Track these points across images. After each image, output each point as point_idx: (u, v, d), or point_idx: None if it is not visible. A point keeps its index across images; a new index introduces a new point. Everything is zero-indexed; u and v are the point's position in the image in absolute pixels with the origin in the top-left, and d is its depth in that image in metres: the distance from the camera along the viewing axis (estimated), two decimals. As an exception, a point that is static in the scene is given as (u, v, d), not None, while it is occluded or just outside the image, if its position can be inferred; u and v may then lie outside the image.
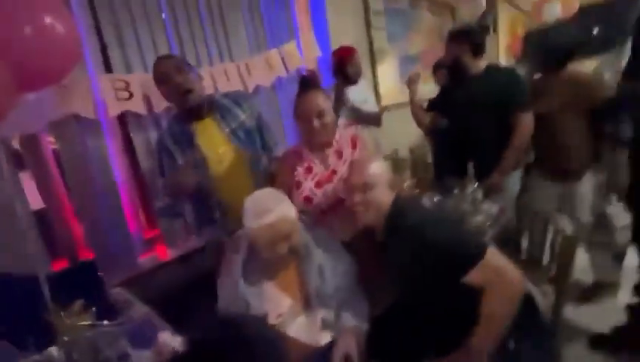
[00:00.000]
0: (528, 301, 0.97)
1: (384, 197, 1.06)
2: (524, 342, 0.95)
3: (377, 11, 3.16)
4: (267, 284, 1.07)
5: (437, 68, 2.48)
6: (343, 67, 2.19)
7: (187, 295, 1.45)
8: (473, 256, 0.91)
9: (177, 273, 1.77)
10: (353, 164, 1.24)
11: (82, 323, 0.95)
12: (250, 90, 2.03)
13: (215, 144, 1.40)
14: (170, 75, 1.33)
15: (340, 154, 1.33)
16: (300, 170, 1.33)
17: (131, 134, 1.70)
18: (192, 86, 1.36)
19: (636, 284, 1.43)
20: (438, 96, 2.21)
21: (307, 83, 1.32)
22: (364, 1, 2.95)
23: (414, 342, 1.04)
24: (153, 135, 1.72)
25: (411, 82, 2.10)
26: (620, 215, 1.74)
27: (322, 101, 1.28)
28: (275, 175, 1.43)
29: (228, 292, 1.07)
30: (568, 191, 1.73)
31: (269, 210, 0.98)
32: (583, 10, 4.15)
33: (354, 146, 1.35)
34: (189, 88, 1.34)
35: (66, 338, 0.93)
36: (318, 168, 1.32)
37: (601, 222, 1.79)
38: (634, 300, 1.43)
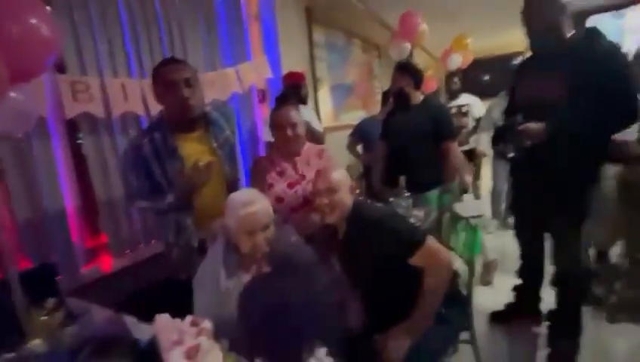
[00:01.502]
0: (453, 278, 1.28)
1: (346, 200, 1.28)
2: (451, 307, 1.25)
3: (319, 44, 3.53)
4: (245, 277, 1.18)
5: (386, 95, 2.86)
6: (298, 88, 2.44)
7: (134, 307, 1.44)
8: (418, 241, 1.17)
9: (122, 285, 1.71)
10: (319, 171, 1.45)
11: (54, 321, 0.94)
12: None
13: (198, 155, 1.35)
14: (179, 85, 1.29)
15: (308, 162, 1.56)
16: (273, 173, 1.52)
17: (82, 139, 1.65)
18: (197, 100, 1.34)
19: (517, 269, 1.90)
20: (384, 119, 2.47)
21: (283, 99, 1.56)
22: (309, 34, 3.29)
23: (368, 319, 1.26)
24: (105, 141, 1.69)
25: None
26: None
27: (295, 115, 1.52)
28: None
29: (207, 289, 1.14)
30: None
31: (253, 201, 1.11)
32: (476, 62, 5.22)
33: (320, 157, 1.60)
34: (193, 103, 1.32)
35: (37, 338, 0.91)
36: (289, 172, 1.53)
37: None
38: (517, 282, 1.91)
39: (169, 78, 1.29)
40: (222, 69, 2.26)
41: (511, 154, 1.52)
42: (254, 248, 1.13)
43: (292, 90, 2.42)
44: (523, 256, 1.86)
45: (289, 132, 1.48)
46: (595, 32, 1.41)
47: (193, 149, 1.38)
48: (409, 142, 2.11)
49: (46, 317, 0.92)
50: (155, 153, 1.33)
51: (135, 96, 1.72)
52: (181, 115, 1.34)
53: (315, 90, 3.43)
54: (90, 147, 1.66)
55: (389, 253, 1.18)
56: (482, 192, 3.66)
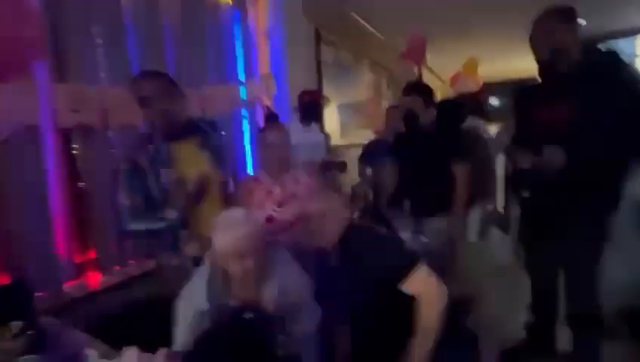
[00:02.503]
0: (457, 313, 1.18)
1: (334, 224, 1.20)
2: (456, 347, 1.14)
3: (327, 63, 3.54)
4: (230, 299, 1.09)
5: (390, 111, 2.72)
6: (315, 107, 2.40)
7: (119, 327, 1.35)
8: (409, 265, 1.10)
9: (109, 303, 1.62)
10: (312, 192, 1.40)
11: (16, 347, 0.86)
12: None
13: (192, 166, 1.37)
14: (154, 99, 1.29)
15: (297, 181, 1.51)
16: (260, 193, 1.46)
17: (75, 150, 1.60)
18: (178, 111, 1.35)
19: (529, 305, 1.76)
20: (395, 139, 2.39)
21: (275, 118, 1.51)
22: (317, 53, 3.30)
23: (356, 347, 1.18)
24: (101, 152, 1.64)
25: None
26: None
27: (283, 135, 1.48)
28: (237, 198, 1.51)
29: (188, 311, 1.06)
30: None
31: (240, 223, 1.04)
32: (486, 86, 5.20)
33: (310, 176, 1.56)
34: (174, 115, 1.33)
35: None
36: (278, 192, 1.47)
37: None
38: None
39: (143, 94, 1.31)
40: (227, 84, 2.24)
41: (526, 194, 1.45)
42: (245, 273, 1.04)
43: (309, 109, 2.38)
44: (534, 291, 1.72)
45: (278, 152, 1.44)
46: (614, 56, 1.34)
47: (184, 158, 1.37)
48: (417, 164, 2.00)
49: (8, 343, 0.83)
50: (151, 164, 1.32)
51: (135, 107, 1.68)
52: (164, 127, 1.34)
53: (321, 109, 3.40)
54: (84, 158, 1.61)
55: (379, 276, 1.11)
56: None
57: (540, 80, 1.52)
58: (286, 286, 1.14)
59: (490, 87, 5.46)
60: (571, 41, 1.34)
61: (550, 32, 1.35)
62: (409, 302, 1.11)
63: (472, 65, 4.72)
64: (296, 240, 1.44)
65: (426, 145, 1.97)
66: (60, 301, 1.52)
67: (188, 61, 2.05)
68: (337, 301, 1.29)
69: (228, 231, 1.02)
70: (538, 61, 1.43)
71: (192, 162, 1.38)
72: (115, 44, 1.69)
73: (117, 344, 1.09)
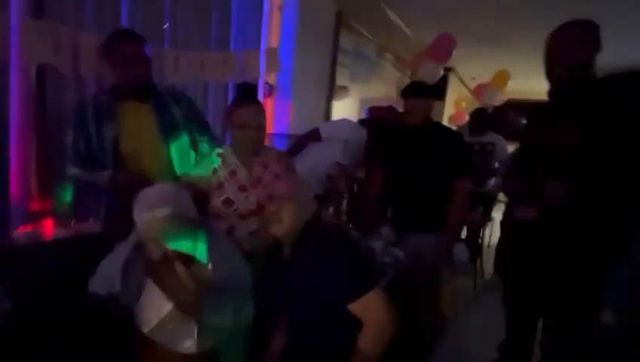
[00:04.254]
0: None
1: (297, 214, 1.07)
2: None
3: (345, 50, 3.35)
4: (150, 285, 0.99)
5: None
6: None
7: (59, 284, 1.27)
8: (362, 287, 0.97)
9: (55, 256, 1.56)
10: (279, 177, 1.29)
11: None
12: (199, 84, 1.97)
13: (140, 128, 1.40)
14: (132, 62, 1.32)
15: (265, 166, 1.37)
16: (223, 172, 1.32)
17: (46, 92, 1.51)
18: (147, 74, 1.39)
19: (500, 344, 1.59)
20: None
21: (250, 93, 1.36)
22: (335, 38, 3.10)
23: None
24: (70, 98, 1.55)
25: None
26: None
27: (262, 114, 1.34)
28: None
29: (101, 287, 0.96)
30: None
31: (164, 203, 0.92)
32: (509, 102, 4.92)
33: (279, 162, 1.40)
34: (144, 77, 1.38)
35: None
36: (242, 173, 1.34)
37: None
38: None
39: (123, 53, 1.31)
40: (227, 52, 2.11)
41: (531, 216, 1.27)
42: (165, 258, 0.93)
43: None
44: (508, 330, 1.56)
45: (252, 132, 1.29)
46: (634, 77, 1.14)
47: (134, 118, 1.40)
48: (410, 171, 1.81)
49: None
50: (96, 116, 1.34)
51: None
52: (128, 86, 1.37)
53: (330, 99, 3.24)
54: (53, 102, 1.53)
55: (330, 289, 0.99)
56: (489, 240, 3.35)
57: (551, 99, 1.33)
58: (219, 275, 1.03)
59: (519, 105, 5.14)
60: (592, 57, 1.19)
61: (573, 44, 1.18)
62: (353, 322, 0.99)
63: (502, 78, 4.43)
64: (252, 230, 1.33)
65: (424, 151, 1.79)
66: (6, 245, 1.47)
67: (188, 23, 1.92)
68: (278, 300, 1.18)
69: (149, 210, 0.91)
70: (553, 76, 1.25)
71: (138, 123, 1.40)
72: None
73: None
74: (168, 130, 1.44)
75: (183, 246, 0.94)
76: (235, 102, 1.35)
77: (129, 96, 1.39)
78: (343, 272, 0.99)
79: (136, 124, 1.39)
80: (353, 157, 2.14)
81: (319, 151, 2.09)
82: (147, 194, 0.94)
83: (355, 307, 0.97)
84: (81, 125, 1.34)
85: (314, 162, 2.03)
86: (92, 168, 1.34)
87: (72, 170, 1.35)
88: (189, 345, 0.98)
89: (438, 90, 1.95)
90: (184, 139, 1.51)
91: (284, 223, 1.06)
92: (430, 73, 3.23)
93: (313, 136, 2.13)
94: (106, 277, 0.96)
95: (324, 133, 2.10)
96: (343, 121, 2.33)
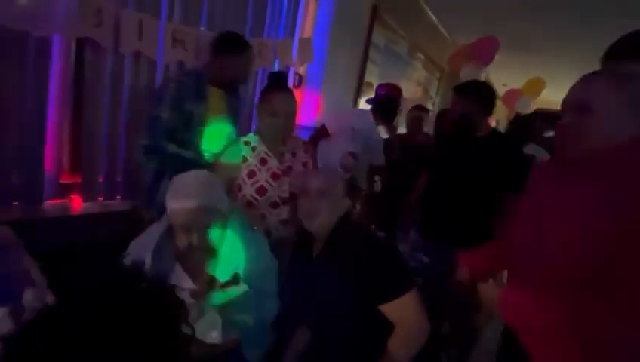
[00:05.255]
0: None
1: (334, 210, 1.06)
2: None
3: (377, 46, 3.27)
4: (179, 270, 0.97)
5: (441, 117, 2.29)
6: (391, 104, 2.19)
7: (84, 257, 1.28)
8: (399, 289, 0.94)
9: (83, 230, 1.57)
10: (313, 167, 1.31)
11: None
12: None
13: (217, 111, 1.51)
14: (236, 67, 1.49)
15: (294, 154, 1.36)
16: (253, 160, 1.31)
17: (86, 67, 1.52)
18: (245, 74, 1.55)
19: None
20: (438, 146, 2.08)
21: (283, 81, 1.35)
22: (368, 32, 3.03)
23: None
24: (107, 77, 1.56)
25: None
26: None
27: (293, 102, 1.33)
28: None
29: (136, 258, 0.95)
30: None
31: (194, 194, 0.89)
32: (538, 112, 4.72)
33: (306, 151, 1.40)
34: (240, 77, 1.54)
35: None
36: (273, 162, 1.33)
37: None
38: None
39: (243, 60, 1.49)
40: (259, 39, 2.07)
41: None
42: (190, 248, 0.91)
43: (382, 104, 2.19)
44: None
45: (282, 120, 1.27)
46: None
47: (216, 104, 1.51)
48: (457, 181, 1.64)
49: None
50: (189, 96, 1.41)
51: (150, 38, 1.57)
52: (227, 81, 1.52)
53: (358, 94, 3.17)
54: (92, 77, 1.53)
55: (366, 287, 0.95)
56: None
57: None
58: (246, 268, 1.00)
59: (547, 116, 4.95)
60: None
61: None
62: (385, 324, 0.96)
63: (537, 86, 4.26)
64: (283, 219, 1.31)
65: (476, 162, 1.60)
66: (37, 216, 1.49)
67: (225, 9, 1.90)
68: (305, 295, 1.15)
69: (178, 199, 0.88)
70: None
71: (217, 107, 1.52)
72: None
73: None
74: (232, 115, 1.57)
75: (209, 237, 0.92)
76: (266, 89, 1.35)
77: (220, 84, 1.51)
78: (383, 271, 0.96)
79: (215, 107, 1.50)
80: (366, 144, 2.05)
81: (329, 148, 2.03)
82: (180, 182, 0.92)
83: (390, 308, 0.94)
84: (178, 103, 1.39)
85: (326, 159, 1.98)
86: (183, 144, 1.42)
87: (169, 146, 1.40)
88: (215, 334, 0.96)
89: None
90: (233, 126, 1.59)
91: (319, 218, 1.04)
92: (472, 74, 3.12)
93: (321, 133, 2.08)
94: (137, 258, 0.95)
95: (330, 128, 2.04)
96: (346, 110, 2.26)
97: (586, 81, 0.77)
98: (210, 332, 0.96)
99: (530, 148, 3.06)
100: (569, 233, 0.71)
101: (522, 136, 3.05)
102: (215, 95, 1.51)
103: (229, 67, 1.48)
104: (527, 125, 3.13)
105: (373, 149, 2.13)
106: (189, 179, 0.93)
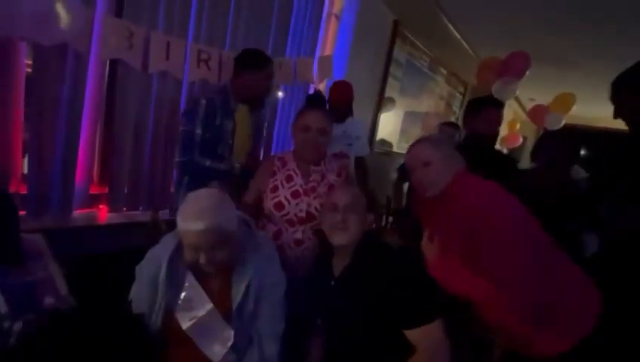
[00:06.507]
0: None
1: (359, 224, 1.06)
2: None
3: (398, 61, 3.28)
4: (192, 281, 0.99)
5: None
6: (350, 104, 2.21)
7: (109, 265, 1.34)
8: (427, 315, 0.93)
9: (108, 239, 1.65)
10: (337, 185, 1.30)
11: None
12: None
13: (243, 126, 1.61)
14: (258, 86, 1.59)
15: (323, 176, 1.36)
16: (280, 176, 1.34)
17: (117, 86, 1.62)
18: (268, 90, 1.65)
19: None
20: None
21: (317, 99, 1.38)
22: (390, 48, 3.05)
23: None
24: (136, 95, 1.65)
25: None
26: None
27: (326, 120, 1.34)
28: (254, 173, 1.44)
29: (145, 280, 0.99)
30: None
31: (203, 216, 0.88)
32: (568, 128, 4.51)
33: (339, 175, 1.39)
34: (264, 93, 1.64)
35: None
36: (298, 180, 1.34)
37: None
38: None
39: (262, 77, 1.59)
40: (280, 57, 2.13)
41: (594, 250, 1.15)
42: (199, 267, 0.93)
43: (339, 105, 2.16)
44: None
45: (315, 137, 1.30)
46: None
47: (242, 119, 1.60)
48: None
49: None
50: (219, 112, 1.51)
51: (177, 58, 1.66)
52: (250, 97, 1.62)
53: (378, 109, 3.18)
54: (122, 96, 1.62)
55: (391, 309, 0.95)
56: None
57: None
58: (256, 282, 1.01)
59: (576, 132, 4.74)
60: None
61: None
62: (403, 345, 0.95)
63: (567, 102, 4.09)
64: (297, 238, 1.31)
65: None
66: (66, 225, 1.57)
67: (248, 29, 1.98)
68: (323, 311, 1.15)
69: (187, 219, 0.88)
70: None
71: (242, 123, 1.61)
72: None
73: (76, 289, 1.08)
74: (256, 129, 1.67)
75: (217, 258, 0.93)
76: (302, 108, 1.41)
77: (246, 100, 1.61)
78: (412, 297, 0.96)
79: (241, 122, 1.60)
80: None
81: None
82: (191, 203, 0.92)
83: (413, 334, 0.93)
84: (210, 119, 1.50)
85: None
86: (214, 158, 1.53)
87: (202, 160, 1.50)
88: (217, 350, 0.97)
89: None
90: (258, 140, 1.73)
91: (349, 232, 1.05)
92: (505, 89, 3.06)
93: None
94: (153, 267, 0.98)
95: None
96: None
97: (420, 147, 1.15)
98: (214, 344, 0.96)
99: (574, 171, 2.88)
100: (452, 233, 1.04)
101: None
102: (241, 110, 1.60)
103: (251, 83, 1.56)
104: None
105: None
106: (201, 200, 0.92)
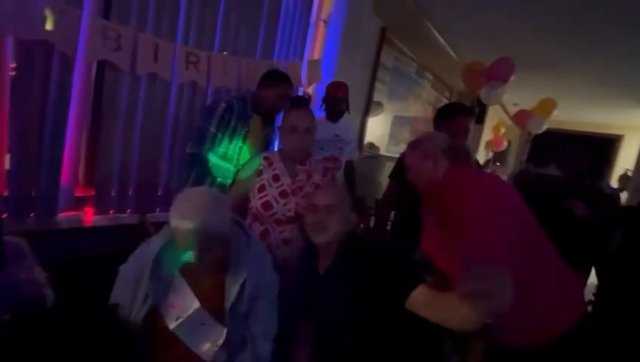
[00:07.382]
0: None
1: (341, 224, 1.09)
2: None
3: (386, 67, 3.34)
4: (180, 281, 0.99)
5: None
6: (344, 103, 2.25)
7: (92, 268, 1.32)
8: (417, 278, 0.97)
9: (93, 242, 1.63)
10: (322, 186, 1.31)
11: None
12: (242, 90, 2.02)
13: (254, 135, 1.71)
14: (279, 102, 1.67)
15: (309, 176, 1.37)
16: (267, 175, 1.35)
17: (104, 87, 1.61)
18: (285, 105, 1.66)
19: None
20: None
21: (302, 100, 1.40)
22: (377, 53, 3.11)
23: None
24: (124, 97, 1.64)
25: None
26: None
27: (311, 120, 1.36)
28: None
29: (128, 280, 0.99)
30: None
31: (193, 215, 0.88)
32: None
33: (324, 175, 1.40)
34: (282, 107, 1.66)
35: None
36: (284, 179, 1.35)
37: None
38: None
39: (281, 92, 1.67)
40: (267, 60, 2.16)
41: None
42: (191, 265, 0.94)
43: (333, 102, 2.24)
44: None
45: (300, 135, 1.31)
46: None
47: (255, 128, 1.71)
48: None
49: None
50: (235, 114, 1.62)
51: (165, 60, 1.66)
52: (264, 110, 1.72)
53: (366, 113, 3.22)
54: (109, 96, 1.62)
55: (378, 295, 0.99)
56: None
57: None
58: (251, 282, 1.02)
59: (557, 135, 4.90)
60: None
61: None
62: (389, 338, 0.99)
63: (548, 106, 4.24)
64: (285, 238, 1.32)
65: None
66: (51, 227, 1.55)
67: (237, 32, 2.00)
68: (310, 310, 1.17)
69: (180, 217, 0.88)
70: None
71: (254, 130, 1.71)
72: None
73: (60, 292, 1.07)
74: (266, 140, 1.82)
75: (209, 258, 0.93)
76: (287, 109, 1.42)
77: (259, 112, 1.71)
78: (399, 270, 1.00)
79: (253, 131, 1.70)
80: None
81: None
82: (184, 200, 0.92)
83: (415, 299, 0.95)
84: (225, 120, 1.60)
85: None
86: (224, 158, 1.63)
87: (210, 156, 1.59)
88: (206, 348, 0.97)
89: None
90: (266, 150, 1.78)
91: (329, 232, 1.07)
92: (493, 93, 3.15)
93: None
94: (138, 266, 0.98)
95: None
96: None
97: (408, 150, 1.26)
98: (203, 343, 0.96)
99: (552, 169, 2.97)
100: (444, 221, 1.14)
101: (543, 156, 2.99)
102: (255, 120, 1.72)
103: (265, 97, 1.68)
104: (548, 145, 3.10)
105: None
106: (193, 198, 0.92)
